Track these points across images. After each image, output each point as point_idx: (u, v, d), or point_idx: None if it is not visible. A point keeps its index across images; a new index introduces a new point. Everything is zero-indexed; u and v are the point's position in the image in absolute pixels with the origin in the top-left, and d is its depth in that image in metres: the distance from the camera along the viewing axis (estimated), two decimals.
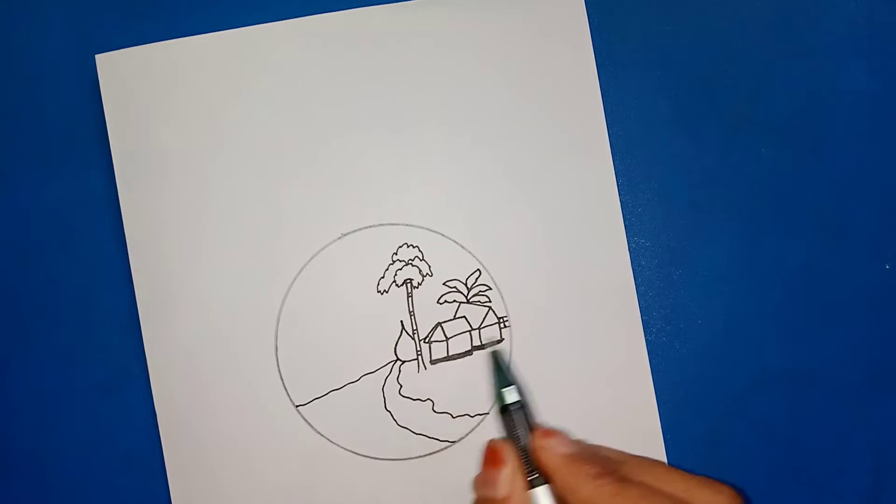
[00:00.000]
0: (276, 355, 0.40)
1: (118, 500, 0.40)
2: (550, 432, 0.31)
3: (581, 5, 0.42)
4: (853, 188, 0.42)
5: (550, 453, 0.30)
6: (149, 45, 0.41)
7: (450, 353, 0.40)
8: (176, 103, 0.41)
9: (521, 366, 0.40)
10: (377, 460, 0.39)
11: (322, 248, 0.40)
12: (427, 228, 0.41)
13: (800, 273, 0.41)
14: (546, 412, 0.40)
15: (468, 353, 0.40)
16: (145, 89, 0.41)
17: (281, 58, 0.41)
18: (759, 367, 0.41)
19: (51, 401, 0.41)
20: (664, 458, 0.40)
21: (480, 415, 0.40)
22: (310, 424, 0.40)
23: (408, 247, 0.41)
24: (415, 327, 0.40)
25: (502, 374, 0.33)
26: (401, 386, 0.40)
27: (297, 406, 0.40)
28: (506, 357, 0.35)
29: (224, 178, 0.41)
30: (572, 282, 0.40)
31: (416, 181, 0.41)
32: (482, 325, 0.40)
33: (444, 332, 0.40)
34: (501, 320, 0.40)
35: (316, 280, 0.40)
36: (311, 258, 0.40)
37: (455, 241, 0.41)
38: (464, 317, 0.40)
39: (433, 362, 0.40)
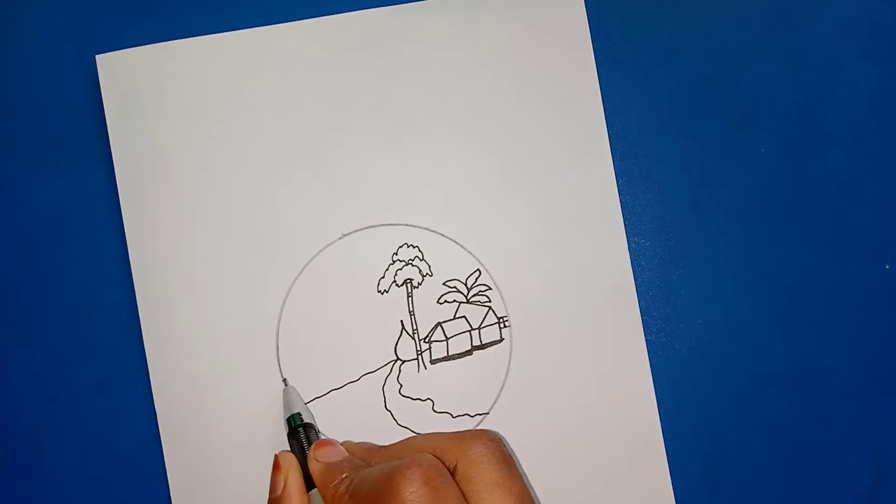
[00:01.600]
0: (277, 355, 0.40)
1: (118, 499, 0.40)
2: (324, 443, 0.36)
3: (581, 5, 0.42)
4: (853, 188, 0.42)
5: (314, 463, 0.35)
6: (149, 45, 0.41)
7: (450, 353, 0.40)
8: (176, 104, 0.41)
9: (521, 366, 0.40)
10: None
11: (322, 248, 0.41)
12: (427, 228, 0.41)
13: (800, 273, 0.41)
14: (546, 412, 0.40)
15: (468, 353, 0.40)
16: (145, 89, 0.41)
17: (281, 59, 0.41)
18: (760, 367, 0.41)
19: (51, 399, 0.41)
20: (664, 459, 0.40)
21: (480, 415, 0.40)
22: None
23: (408, 247, 0.41)
24: (415, 327, 0.40)
25: (289, 404, 0.38)
26: (401, 386, 0.40)
27: None
28: (295, 392, 0.39)
29: (224, 179, 0.41)
30: (572, 282, 0.40)
31: (416, 181, 0.41)
32: (482, 325, 0.40)
33: (444, 332, 0.40)
34: (501, 320, 0.40)
35: (316, 280, 0.40)
36: (312, 258, 0.40)
37: (455, 241, 0.41)
38: (464, 317, 0.40)
39: (433, 362, 0.40)
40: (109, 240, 0.41)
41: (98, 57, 0.41)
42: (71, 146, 0.42)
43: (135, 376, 0.40)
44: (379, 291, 0.40)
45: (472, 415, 0.40)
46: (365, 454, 0.35)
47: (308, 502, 0.34)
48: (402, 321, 0.40)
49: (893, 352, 0.41)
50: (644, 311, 0.41)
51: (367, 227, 0.41)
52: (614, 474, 0.39)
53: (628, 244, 0.41)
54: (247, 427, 0.39)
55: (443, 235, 0.41)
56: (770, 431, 0.41)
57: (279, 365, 0.40)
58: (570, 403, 0.40)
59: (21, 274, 0.41)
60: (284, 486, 0.34)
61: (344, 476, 0.33)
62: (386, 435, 0.39)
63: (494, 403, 0.40)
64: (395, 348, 0.40)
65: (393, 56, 0.41)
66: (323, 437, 0.38)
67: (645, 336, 0.40)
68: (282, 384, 0.39)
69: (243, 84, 0.41)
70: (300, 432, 0.37)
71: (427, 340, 0.40)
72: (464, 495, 0.30)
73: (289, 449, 0.37)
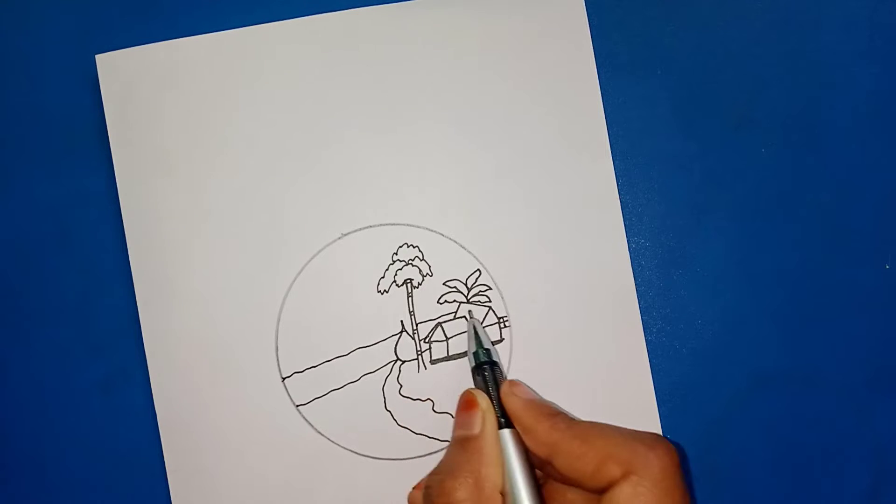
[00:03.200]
0: (277, 355, 0.40)
1: (118, 499, 0.40)
2: (516, 383, 0.36)
3: (581, 5, 0.42)
4: (853, 188, 0.42)
5: (514, 399, 0.34)
6: (149, 45, 0.41)
7: (450, 353, 0.40)
8: (176, 103, 0.41)
9: (521, 366, 0.40)
10: (377, 460, 0.39)
11: (322, 248, 0.41)
12: (427, 228, 0.41)
13: (800, 273, 0.41)
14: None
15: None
16: (145, 89, 0.41)
17: (281, 58, 0.41)
18: (759, 367, 0.41)
19: (50, 400, 0.41)
20: None
21: None
22: (310, 424, 0.40)
23: (408, 247, 0.41)
24: (415, 327, 0.40)
25: (477, 337, 0.38)
26: (401, 386, 0.40)
27: (297, 406, 0.40)
28: (479, 322, 0.39)
29: (224, 178, 0.41)
30: (572, 282, 0.40)
31: (416, 181, 0.41)
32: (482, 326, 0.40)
33: (444, 332, 0.40)
34: (501, 320, 0.40)
35: (316, 280, 0.40)
36: (312, 258, 0.40)
37: (455, 241, 0.41)
38: (464, 317, 0.40)
39: (433, 362, 0.40)
40: (109, 240, 0.41)
41: (98, 57, 0.41)
42: (71, 146, 0.42)
43: (135, 376, 0.40)
44: (379, 291, 0.40)
45: None
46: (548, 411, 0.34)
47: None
48: (402, 321, 0.40)
49: (893, 352, 0.41)
50: (644, 311, 0.41)
51: (367, 227, 0.41)
52: None
53: (628, 244, 0.41)
54: (247, 427, 0.39)
55: (443, 235, 0.41)
56: (770, 431, 0.41)
57: (278, 365, 0.40)
58: (570, 403, 0.40)
59: (21, 274, 0.41)
60: (483, 426, 0.33)
61: (560, 414, 0.33)
62: (386, 435, 0.39)
63: None
64: (395, 348, 0.40)
65: (393, 55, 0.41)
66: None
67: (645, 336, 0.40)
68: (279, 377, 0.39)
69: (243, 83, 0.41)
70: (491, 368, 0.36)
71: (427, 340, 0.40)
72: None
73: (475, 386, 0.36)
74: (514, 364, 0.40)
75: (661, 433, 0.40)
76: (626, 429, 0.33)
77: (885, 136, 0.42)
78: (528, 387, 0.36)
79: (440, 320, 0.40)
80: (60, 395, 0.41)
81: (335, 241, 0.41)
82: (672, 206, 0.42)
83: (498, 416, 0.34)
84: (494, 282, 0.41)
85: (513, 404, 0.34)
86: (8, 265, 0.41)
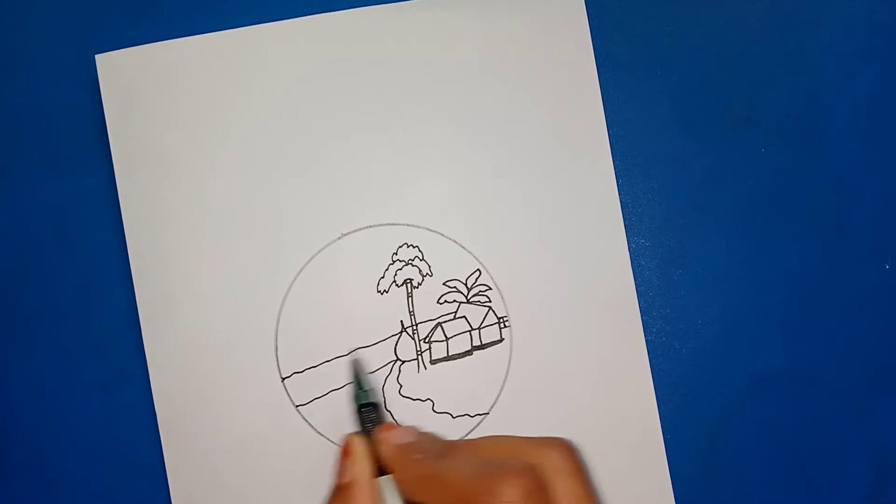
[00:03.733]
0: (276, 355, 0.40)
1: (118, 499, 0.40)
2: (392, 426, 0.35)
3: (581, 5, 0.42)
4: (853, 188, 0.42)
5: (386, 445, 0.34)
6: (149, 45, 0.41)
7: (450, 353, 0.40)
8: (176, 103, 0.41)
9: (521, 366, 0.40)
10: None
11: (322, 248, 0.41)
12: (427, 228, 0.41)
13: (800, 273, 0.41)
14: (546, 412, 0.40)
15: (468, 353, 0.40)
16: (145, 89, 0.41)
17: (281, 58, 0.41)
18: (760, 367, 0.41)
19: (51, 400, 0.41)
20: (664, 459, 0.40)
21: (480, 415, 0.40)
22: (310, 424, 0.40)
23: (408, 247, 0.41)
24: (415, 327, 0.40)
25: (360, 380, 0.38)
26: (401, 386, 0.40)
27: (297, 406, 0.40)
28: (364, 364, 0.39)
29: (224, 178, 0.41)
30: (572, 282, 0.40)
31: (416, 181, 0.41)
32: (482, 325, 0.40)
33: (444, 332, 0.40)
34: (501, 320, 0.40)
35: (316, 280, 0.40)
36: (312, 258, 0.40)
37: (455, 241, 0.41)
38: (464, 317, 0.40)
39: (433, 362, 0.40)
40: (109, 240, 0.41)
41: (98, 57, 0.41)
42: (71, 146, 0.42)
43: (135, 376, 0.40)
44: (379, 291, 0.40)
45: (472, 415, 0.40)
46: (440, 447, 0.34)
47: (377, 491, 0.33)
48: (401, 321, 0.40)
49: (893, 352, 0.41)
50: (644, 311, 0.41)
51: (367, 227, 0.41)
52: (614, 474, 0.39)
53: (628, 244, 0.41)
54: (247, 427, 0.39)
55: (443, 235, 0.41)
56: (770, 431, 0.41)
57: (278, 365, 0.40)
58: (570, 403, 0.40)
59: (21, 274, 0.41)
60: (356, 474, 0.33)
61: (420, 457, 0.32)
62: None
63: (494, 403, 0.40)
64: (395, 348, 0.40)
65: (393, 54, 0.41)
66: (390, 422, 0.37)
67: (645, 336, 0.40)
68: (279, 377, 0.39)
69: (243, 83, 0.41)
70: (370, 411, 0.36)
71: (427, 340, 0.40)
72: None
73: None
74: (514, 364, 0.40)
75: (661, 433, 0.40)
76: (516, 437, 0.32)
77: (885, 136, 0.42)
78: (409, 427, 0.35)
79: (440, 320, 0.40)
80: (60, 395, 0.41)
81: (335, 240, 0.41)
82: (672, 206, 0.42)
83: (377, 465, 0.34)
84: (494, 282, 0.41)
85: (383, 451, 0.34)
86: (8, 265, 0.41)
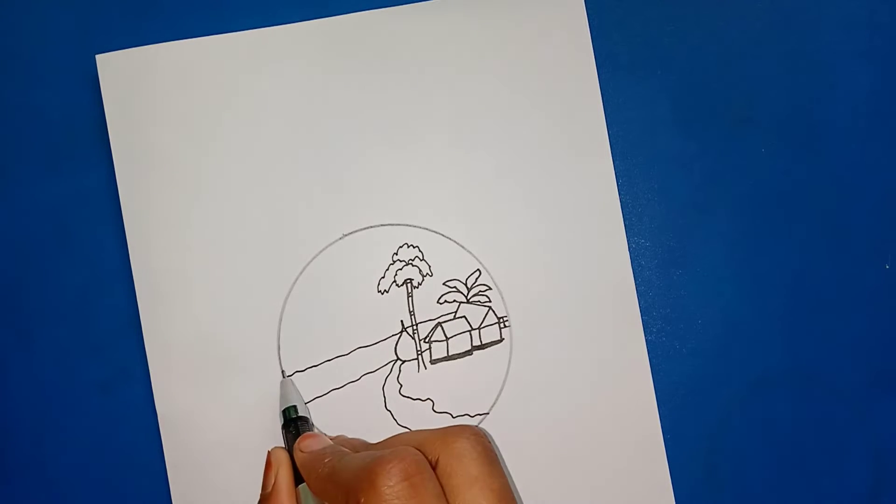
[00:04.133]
0: (278, 354, 0.40)
1: (118, 499, 0.40)
2: (309, 435, 0.36)
3: (581, 5, 0.42)
4: (853, 188, 0.42)
5: (298, 454, 0.35)
6: (149, 45, 0.41)
7: (450, 353, 0.40)
8: (176, 104, 0.41)
9: (520, 366, 0.40)
10: None
11: (323, 249, 0.41)
12: (427, 228, 0.41)
13: (800, 273, 0.41)
14: (546, 412, 0.40)
15: (468, 353, 0.40)
16: (145, 90, 0.41)
17: (281, 60, 0.41)
18: (760, 367, 0.41)
19: (51, 399, 0.41)
20: (664, 459, 0.40)
21: (480, 415, 0.40)
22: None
23: (408, 247, 0.41)
24: (415, 327, 0.40)
25: (285, 396, 0.39)
26: (401, 386, 0.40)
27: None
28: (291, 385, 0.39)
29: (225, 179, 0.41)
30: (572, 282, 0.40)
31: (416, 181, 0.41)
32: (482, 325, 0.40)
33: (444, 332, 0.40)
34: (501, 320, 0.40)
35: (317, 280, 0.40)
36: (313, 258, 0.40)
37: (455, 241, 0.41)
38: (464, 317, 0.40)
39: (433, 362, 0.40)
40: (109, 240, 0.41)
41: (98, 57, 0.41)
42: (71, 146, 0.42)
43: (135, 376, 0.40)
44: (379, 291, 0.40)
45: (472, 415, 0.40)
46: (354, 448, 0.35)
47: (297, 498, 0.34)
48: (402, 321, 0.40)
49: (893, 352, 0.41)
50: (644, 311, 0.41)
51: (368, 227, 0.41)
52: (614, 474, 0.39)
53: (628, 244, 0.41)
54: (247, 427, 0.39)
55: (443, 235, 0.41)
56: (770, 431, 0.41)
57: (280, 365, 0.40)
58: (570, 403, 0.40)
59: (21, 274, 0.41)
60: (274, 484, 0.35)
61: (326, 461, 0.32)
62: (386, 435, 0.39)
63: (494, 403, 0.40)
64: (395, 348, 0.40)
65: (393, 56, 0.41)
66: (313, 432, 0.38)
67: (645, 336, 0.40)
68: (279, 377, 0.39)
69: (243, 85, 0.41)
70: (293, 425, 0.37)
71: (427, 340, 0.40)
72: (443, 491, 0.30)
73: (283, 444, 0.37)
74: (514, 364, 0.40)
75: (661, 433, 0.40)
76: (423, 431, 0.33)
77: (885, 136, 0.42)
78: (324, 436, 0.36)
79: (440, 320, 0.40)
80: (60, 395, 0.41)
81: (336, 241, 0.41)
82: (672, 206, 0.42)
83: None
84: (494, 282, 0.41)
85: (299, 460, 0.35)
86: (8, 265, 0.41)
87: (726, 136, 0.42)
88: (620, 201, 0.41)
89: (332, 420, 0.39)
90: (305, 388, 0.40)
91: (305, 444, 0.35)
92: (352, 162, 0.41)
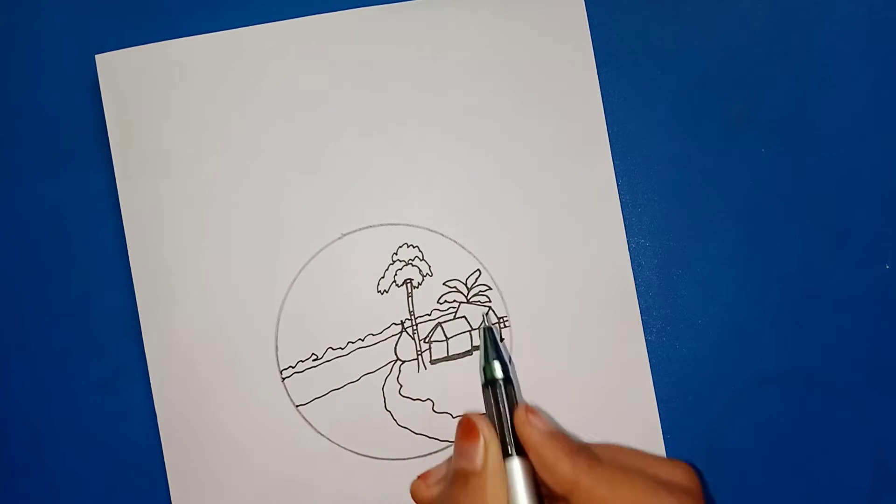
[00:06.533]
0: (277, 355, 0.40)
1: (118, 500, 0.40)
2: (533, 410, 0.33)
3: (581, 5, 0.42)
4: (853, 188, 0.42)
5: (532, 429, 0.32)
6: (149, 45, 0.41)
7: (450, 353, 0.40)
8: (176, 103, 0.41)
9: (521, 366, 0.40)
10: (377, 460, 0.39)
11: (322, 248, 0.41)
12: (427, 228, 0.41)
13: (800, 273, 0.41)
14: (546, 412, 0.40)
15: (468, 353, 0.40)
16: (145, 89, 0.41)
17: (281, 58, 0.41)
18: (759, 367, 0.41)
19: (51, 400, 0.41)
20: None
21: (480, 415, 0.40)
22: (310, 424, 0.40)
23: (408, 247, 0.41)
24: (415, 327, 0.40)
25: (492, 349, 0.35)
26: (401, 386, 0.40)
27: (297, 406, 0.40)
28: (497, 333, 0.36)
29: (224, 178, 0.41)
30: (572, 282, 0.40)
31: (416, 181, 0.41)
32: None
33: (444, 332, 0.40)
34: (501, 320, 0.40)
35: (316, 280, 0.40)
36: (312, 258, 0.40)
37: (455, 241, 0.41)
38: (464, 317, 0.40)
39: (433, 362, 0.40)
40: (109, 240, 0.41)
41: (98, 57, 0.41)
42: (71, 146, 0.42)
43: (135, 376, 0.40)
44: (379, 291, 0.40)
45: None
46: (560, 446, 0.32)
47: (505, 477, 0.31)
48: (402, 321, 0.40)
49: (893, 352, 0.41)
50: (644, 311, 0.41)
51: (367, 227, 0.41)
52: None
53: (628, 244, 0.41)
54: (247, 427, 0.39)
55: (443, 235, 0.41)
56: (770, 431, 0.41)
57: (278, 364, 0.40)
58: (570, 403, 0.40)
59: (21, 274, 0.41)
60: (485, 462, 0.31)
61: (581, 450, 0.31)
62: (385, 435, 0.39)
63: None
64: (395, 348, 0.40)
65: (393, 54, 0.41)
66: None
67: (645, 336, 0.40)
68: (279, 377, 0.39)
69: (243, 83, 0.41)
70: (501, 388, 0.32)
71: (427, 340, 0.40)
72: None
73: (482, 410, 0.33)
74: (514, 364, 0.40)
75: (661, 433, 0.40)
76: (651, 471, 0.32)
77: (885, 136, 0.42)
78: (543, 413, 0.34)
79: (440, 320, 0.40)
80: (60, 395, 0.41)
81: (335, 241, 0.41)
82: (672, 206, 0.42)
83: (508, 444, 0.32)
84: (494, 282, 0.41)
85: (530, 436, 0.32)
86: (8, 265, 0.41)
87: (726, 136, 0.42)
88: (620, 201, 0.41)
89: (331, 420, 0.39)
90: (304, 389, 0.40)
91: (538, 418, 0.32)
92: (351, 161, 0.41)
